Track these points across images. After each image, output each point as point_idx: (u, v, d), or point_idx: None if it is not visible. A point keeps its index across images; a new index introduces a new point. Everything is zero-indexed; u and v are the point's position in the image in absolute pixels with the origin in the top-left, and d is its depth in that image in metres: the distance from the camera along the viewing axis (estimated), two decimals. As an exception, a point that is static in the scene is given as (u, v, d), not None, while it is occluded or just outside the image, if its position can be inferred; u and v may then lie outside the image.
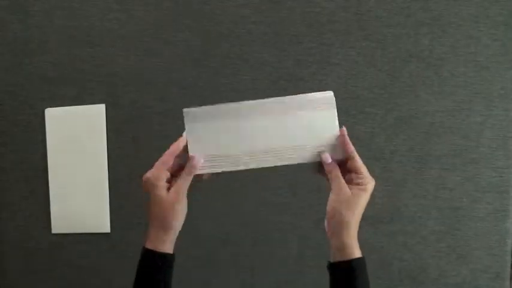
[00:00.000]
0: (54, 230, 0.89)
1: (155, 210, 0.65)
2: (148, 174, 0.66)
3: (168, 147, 0.86)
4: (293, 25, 0.84)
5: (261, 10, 0.84)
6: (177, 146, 0.64)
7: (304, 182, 0.86)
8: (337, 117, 0.64)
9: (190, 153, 0.64)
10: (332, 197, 0.64)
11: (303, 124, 0.64)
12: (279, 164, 0.64)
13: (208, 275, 0.89)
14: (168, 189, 0.65)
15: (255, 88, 0.85)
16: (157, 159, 0.86)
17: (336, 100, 0.84)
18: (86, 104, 0.87)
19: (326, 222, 0.65)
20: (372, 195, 0.87)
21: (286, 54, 0.84)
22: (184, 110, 0.62)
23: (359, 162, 0.64)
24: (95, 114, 0.87)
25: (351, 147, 0.64)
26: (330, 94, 0.64)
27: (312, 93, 0.64)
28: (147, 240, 0.66)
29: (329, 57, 0.84)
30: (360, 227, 0.88)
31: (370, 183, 0.64)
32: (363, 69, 0.84)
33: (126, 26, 0.85)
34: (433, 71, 0.84)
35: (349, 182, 0.64)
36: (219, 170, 0.64)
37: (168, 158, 0.64)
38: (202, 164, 0.65)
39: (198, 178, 0.65)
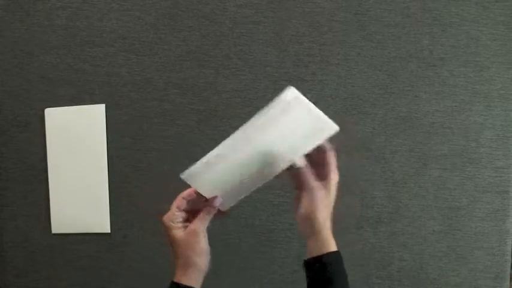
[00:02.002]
0: (54, 230, 0.89)
1: (175, 250, 0.67)
2: (164, 217, 0.67)
3: (167, 147, 0.86)
4: (293, 25, 0.84)
5: (261, 10, 0.84)
6: (189, 192, 0.65)
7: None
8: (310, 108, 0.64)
9: (206, 195, 0.65)
10: (306, 198, 0.65)
11: (284, 129, 0.64)
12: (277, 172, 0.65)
13: (208, 275, 0.89)
14: (186, 227, 0.66)
15: (255, 88, 0.85)
16: (156, 160, 0.87)
17: (336, 100, 0.84)
18: (86, 104, 0.87)
19: (300, 223, 0.66)
20: (372, 196, 0.88)
21: (286, 54, 0.84)
22: (182, 175, 0.64)
23: (331, 158, 0.65)
24: (95, 114, 0.87)
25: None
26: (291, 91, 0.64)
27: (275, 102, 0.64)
28: (174, 275, 0.68)
29: (329, 57, 0.84)
30: (360, 227, 0.89)
31: (335, 179, 0.65)
32: (363, 69, 0.84)
33: (126, 26, 0.85)
34: (433, 71, 0.84)
35: (318, 177, 0.65)
36: (235, 202, 0.67)
37: (182, 202, 0.66)
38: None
39: (223, 215, 0.68)
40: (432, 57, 0.83)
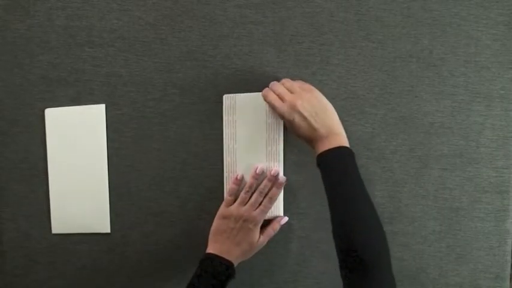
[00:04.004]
0: (54, 230, 0.89)
1: (243, 246, 0.79)
2: (256, 215, 0.79)
3: (167, 147, 0.86)
4: (293, 25, 0.84)
5: (261, 10, 0.84)
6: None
7: (304, 182, 0.86)
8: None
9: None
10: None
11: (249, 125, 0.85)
12: None
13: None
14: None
15: (255, 88, 0.85)
16: (156, 160, 0.87)
17: (336, 100, 0.85)
18: (86, 104, 0.87)
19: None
20: (372, 196, 0.87)
21: (286, 54, 0.84)
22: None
23: (271, 104, 0.77)
24: (95, 114, 0.87)
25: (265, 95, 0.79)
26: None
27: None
28: (218, 252, 0.78)
29: (329, 57, 0.84)
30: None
31: (283, 107, 0.75)
32: (363, 69, 0.84)
33: (126, 26, 0.85)
34: (433, 71, 0.84)
35: None
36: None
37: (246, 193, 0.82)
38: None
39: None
40: (432, 57, 0.83)
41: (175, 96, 0.86)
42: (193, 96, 0.86)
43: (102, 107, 0.87)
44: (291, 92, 0.76)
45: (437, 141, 0.85)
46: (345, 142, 0.73)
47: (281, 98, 0.76)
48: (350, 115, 0.85)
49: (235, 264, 0.78)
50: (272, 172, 0.81)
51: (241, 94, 0.84)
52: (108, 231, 0.89)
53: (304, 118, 0.73)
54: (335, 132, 0.73)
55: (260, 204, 0.80)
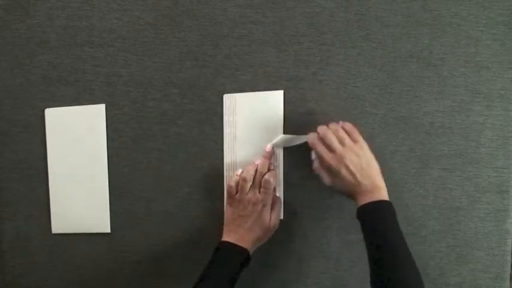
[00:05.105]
0: (54, 230, 0.89)
1: (256, 231, 0.78)
2: (262, 197, 0.79)
3: (167, 147, 0.86)
4: (293, 25, 0.84)
5: (261, 10, 0.84)
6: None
7: (304, 182, 0.86)
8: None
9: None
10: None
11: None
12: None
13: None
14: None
15: (255, 88, 0.85)
16: (156, 160, 0.87)
17: (336, 100, 0.85)
18: (86, 104, 0.87)
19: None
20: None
21: (286, 54, 0.84)
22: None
23: (319, 154, 0.77)
24: (95, 114, 0.87)
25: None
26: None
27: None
28: (233, 240, 0.78)
29: (329, 57, 0.84)
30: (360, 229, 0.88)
31: (331, 159, 0.76)
32: (363, 69, 0.84)
33: (126, 26, 0.85)
34: (433, 71, 0.84)
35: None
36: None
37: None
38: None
39: None
40: (432, 57, 0.83)
41: (175, 96, 0.86)
42: (193, 96, 0.86)
43: (102, 107, 0.87)
44: (341, 143, 0.76)
45: (437, 141, 0.85)
46: (385, 196, 0.74)
47: (330, 149, 0.76)
48: (350, 115, 0.85)
49: (251, 251, 0.78)
50: (266, 149, 0.82)
51: (241, 94, 0.84)
52: (108, 231, 0.89)
53: (351, 172, 0.74)
54: (377, 186, 0.74)
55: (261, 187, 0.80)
